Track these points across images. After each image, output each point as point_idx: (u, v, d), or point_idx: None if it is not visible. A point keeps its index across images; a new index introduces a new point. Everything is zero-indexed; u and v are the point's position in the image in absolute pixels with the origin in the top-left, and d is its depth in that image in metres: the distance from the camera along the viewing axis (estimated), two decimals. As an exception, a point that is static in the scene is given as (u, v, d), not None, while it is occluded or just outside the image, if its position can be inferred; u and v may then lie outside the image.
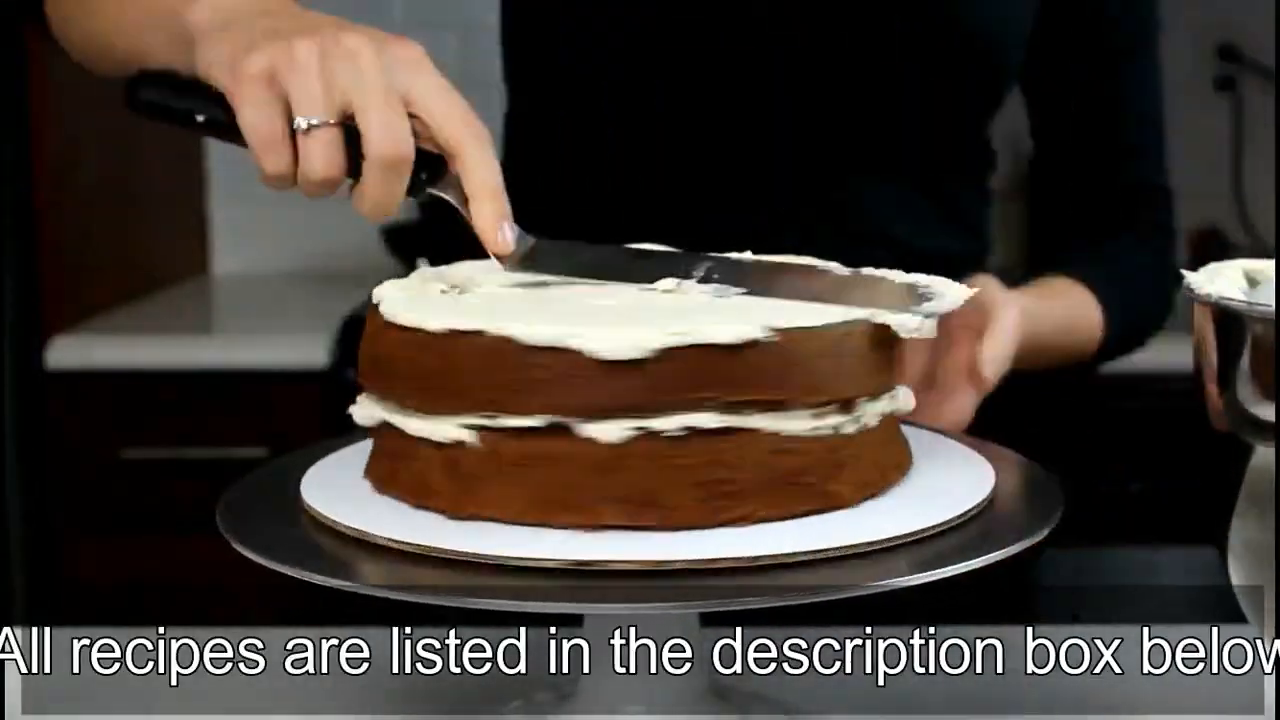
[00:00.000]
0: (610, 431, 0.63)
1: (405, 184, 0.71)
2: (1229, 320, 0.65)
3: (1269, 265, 0.72)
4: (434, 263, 0.79)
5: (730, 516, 0.64)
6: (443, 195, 0.73)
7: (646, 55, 1.00)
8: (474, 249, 0.75)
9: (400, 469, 0.69)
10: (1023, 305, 0.95)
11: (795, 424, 0.64)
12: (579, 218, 0.98)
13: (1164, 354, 1.89)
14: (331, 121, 0.69)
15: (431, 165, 0.73)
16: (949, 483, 0.71)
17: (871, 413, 0.68)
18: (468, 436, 0.65)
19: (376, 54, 0.70)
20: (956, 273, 0.99)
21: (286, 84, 0.69)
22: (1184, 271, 0.69)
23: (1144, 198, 1.13)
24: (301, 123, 0.69)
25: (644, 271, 0.73)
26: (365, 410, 0.71)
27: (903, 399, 0.71)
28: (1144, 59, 1.10)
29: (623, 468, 0.63)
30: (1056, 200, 1.13)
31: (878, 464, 0.69)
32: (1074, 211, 1.12)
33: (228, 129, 0.72)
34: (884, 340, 0.68)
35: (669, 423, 0.62)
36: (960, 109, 1.05)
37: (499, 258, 0.73)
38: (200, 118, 0.74)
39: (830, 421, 0.66)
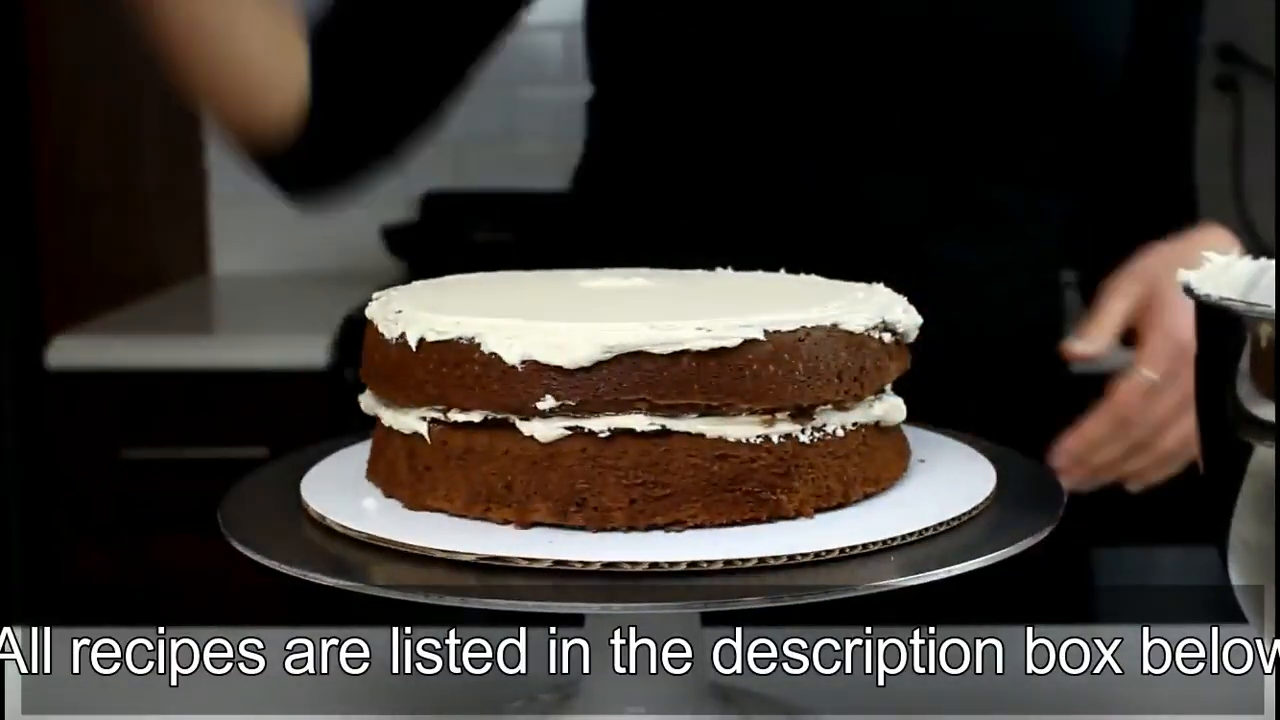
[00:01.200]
0: (541, 430, 0.63)
1: None
2: (1229, 320, 0.65)
3: (1269, 265, 0.72)
4: (428, 267, 0.80)
5: (661, 521, 0.63)
6: None
7: (714, 62, 1.01)
8: (466, 252, 0.75)
9: (378, 457, 0.71)
10: None
11: (739, 430, 0.64)
12: (645, 207, 1.02)
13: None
14: None
15: None
16: (950, 483, 0.71)
17: (836, 422, 0.67)
18: (422, 428, 0.66)
19: None
20: (974, 284, 1.00)
21: None
22: (1182, 271, 0.69)
23: (1186, 202, 1.15)
24: None
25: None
26: (366, 401, 0.73)
27: (884, 410, 0.70)
28: (1194, 73, 1.13)
29: (555, 466, 0.63)
30: (1112, 213, 1.14)
31: (840, 476, 0.67)
32: (1133, 222, 1.13)
33: None
34: (852, 346, 0.67)
35: (600, 423, 0.63)
36: (1031, 120, 1.05)
37: None
38: None
39: (781, 429, 0.65)
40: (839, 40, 0.99)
